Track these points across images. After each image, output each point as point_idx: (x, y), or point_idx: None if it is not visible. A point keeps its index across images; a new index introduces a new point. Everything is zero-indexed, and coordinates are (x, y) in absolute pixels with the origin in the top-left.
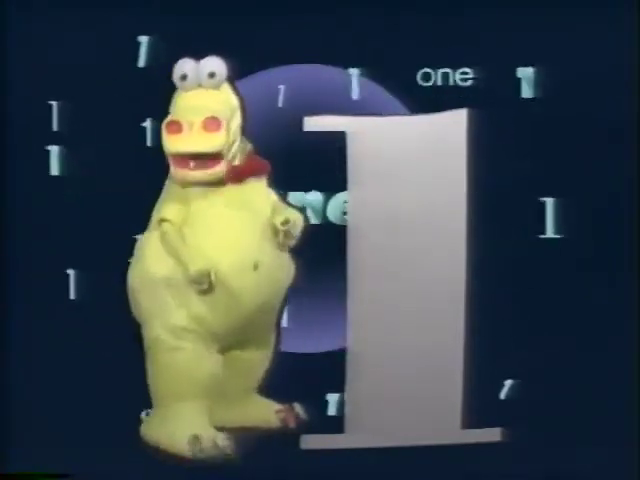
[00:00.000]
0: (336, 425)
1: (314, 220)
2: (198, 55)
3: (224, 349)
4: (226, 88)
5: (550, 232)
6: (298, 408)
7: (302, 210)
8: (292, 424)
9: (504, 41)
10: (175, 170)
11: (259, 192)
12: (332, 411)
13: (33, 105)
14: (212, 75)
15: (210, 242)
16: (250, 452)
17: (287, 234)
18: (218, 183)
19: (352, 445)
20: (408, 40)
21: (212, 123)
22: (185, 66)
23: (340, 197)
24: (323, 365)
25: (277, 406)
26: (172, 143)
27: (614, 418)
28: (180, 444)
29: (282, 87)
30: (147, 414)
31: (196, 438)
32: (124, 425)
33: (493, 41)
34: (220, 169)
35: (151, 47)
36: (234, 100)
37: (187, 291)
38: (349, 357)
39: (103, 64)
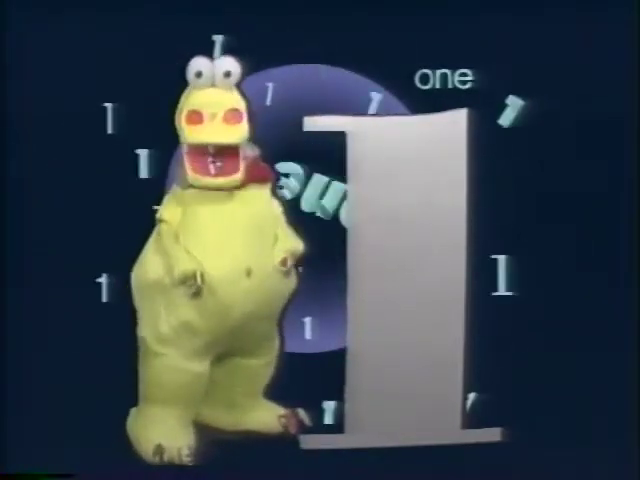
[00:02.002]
0: (336, 425)
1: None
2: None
3: (221, 356)
4: (235, 90)
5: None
6: (302, 414)
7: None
8: (293, 430)
9: (503, 41)
10: (194, 175)
11: (260, 199)
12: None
13: (33, 105)
14: (227, 74)
15: (201, 246)
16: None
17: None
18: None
19: (352, 445)
20: (408, 40)
21: (234, 115)
22: (200, 64)
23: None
24: (323, 365)
25: (281, 411)
26: (192, 133)
27: (614, 418)
28: (145, 449)
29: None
30: None
31: (159, 447)
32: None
33: (492, 41)
34: (238, 177)
35: (151, 46)
36: (243, 103)
37: (178, 296)
38: (349, 357)
39: (103, 64)
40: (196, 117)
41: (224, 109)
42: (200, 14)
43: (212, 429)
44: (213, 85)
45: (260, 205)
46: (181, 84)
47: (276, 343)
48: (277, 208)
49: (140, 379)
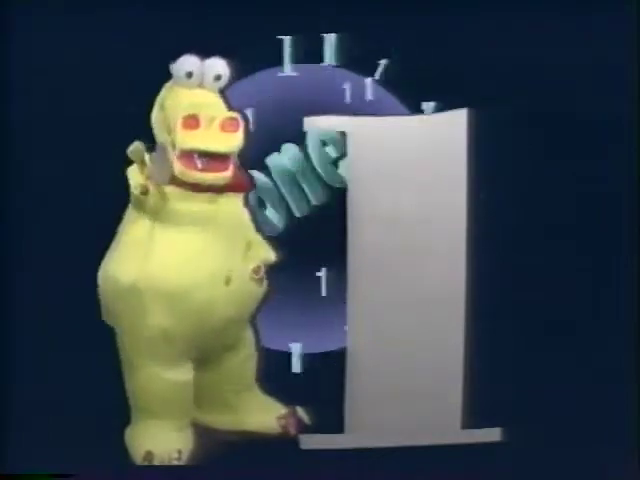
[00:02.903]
0: (336, 425)
1: None
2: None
3: (200, 361)
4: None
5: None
6: (301, 413)
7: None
8: (293, 431)
9: (503, 40)
10: (182, 168)
11: (233, 206)
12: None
13: (35, 107)
14: (218, 78)
15: (179, 255)
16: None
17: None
18: (191, 189)
19: (352, 445)
20: (408, 40)
21: (232, 123)
22: (191, 63)
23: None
24: (323, 365)
25: (280, 410)
26: (187, 139)
27: (614, 418)
28: (136, 456)
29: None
30: None
31: (149, 454)
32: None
33: (492, 40)
34: (228, 174)
35: (151, 46)
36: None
37: (153, 301)
38: (349, 357)
39: (103, 65)
40: (193, 122)
41: (223, 115)
42: (203, 16)
43: (212, 431)
44: (200, 86)
45: (234, 213)
46: None
47: (250, 335)
48: (246, 215)
49: (127, 390)
